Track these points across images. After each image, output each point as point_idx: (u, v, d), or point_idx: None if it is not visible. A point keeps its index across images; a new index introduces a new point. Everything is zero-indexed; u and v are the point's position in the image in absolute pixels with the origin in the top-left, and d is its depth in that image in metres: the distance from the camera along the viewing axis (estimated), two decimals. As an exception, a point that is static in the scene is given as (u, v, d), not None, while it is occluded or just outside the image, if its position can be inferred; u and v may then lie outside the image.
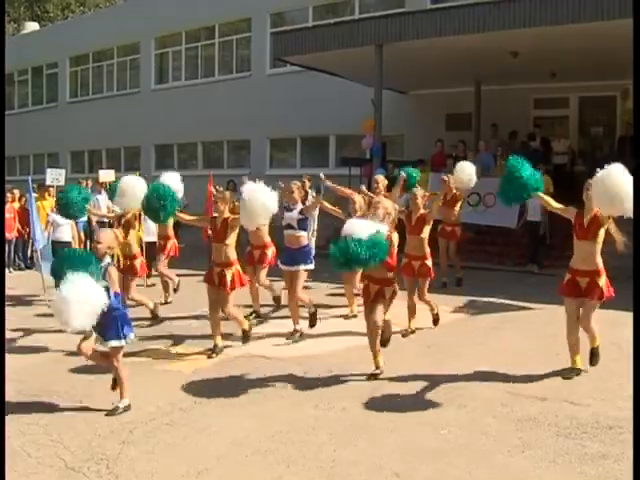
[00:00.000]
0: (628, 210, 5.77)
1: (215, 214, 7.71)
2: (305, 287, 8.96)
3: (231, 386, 6.41)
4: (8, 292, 10.93)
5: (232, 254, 7.55)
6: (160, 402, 5.95)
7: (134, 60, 26.77)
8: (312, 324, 8.42)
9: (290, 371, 6.87)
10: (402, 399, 5.98)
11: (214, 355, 7.42)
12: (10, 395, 6.01)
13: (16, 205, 15.03)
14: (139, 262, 9.21)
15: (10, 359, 7.21)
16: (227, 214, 7.56)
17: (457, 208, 11.77)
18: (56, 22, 39.42)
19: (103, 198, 15.46)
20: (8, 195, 14.85)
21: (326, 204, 8.48)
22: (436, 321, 8.67)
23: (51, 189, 14.79)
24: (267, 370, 6.91)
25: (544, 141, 16.12)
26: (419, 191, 8.83)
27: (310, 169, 18.71)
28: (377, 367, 6.60)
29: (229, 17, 23.42)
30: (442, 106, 18.88)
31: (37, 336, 8.06)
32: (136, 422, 5.46)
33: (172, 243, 10.66)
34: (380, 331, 6.58)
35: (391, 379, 6.56)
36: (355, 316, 9.15)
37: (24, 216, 14.33)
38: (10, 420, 5.40)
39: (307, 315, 8.44)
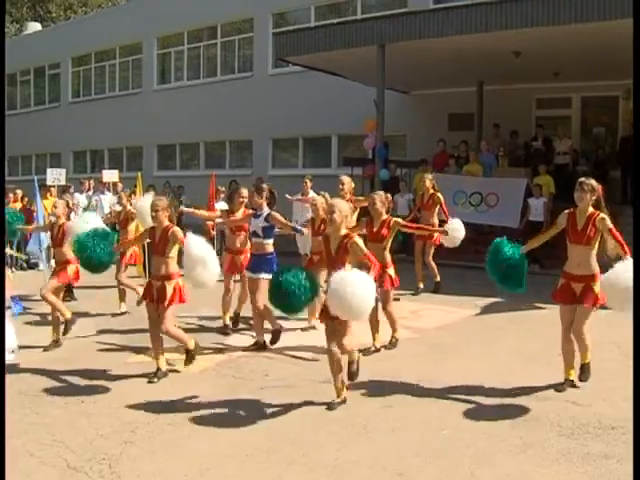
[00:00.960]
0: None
1: (154, 224, 6.85)
2: None
3: (233, 385, 6.42)
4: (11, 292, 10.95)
5: (173, 267, 6.74)
6: (163, 401, 5.96)
7: (136, 60, 26.79)
8: (273, 342, 7.72)
9: (292, 370, 6.88)
10: (404, 399, 5.98)
11: (155, 380, 6.61)
12: (12, 394, 6.02)
13: (18, 205, 15.04)
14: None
15: (11, 359, 7.23)
16: (166, 223, 6.74)
17: (435, 210, 11.28)
18: (58, 22, 39.46)
19: (106, 198, 15.51)
20: (10, 195, 14.88)
21: (278, 217, 7.77)
22: (392, 343, 7.86)
23: (52, 189, 14.81)
24: (269, 370, 6.92)
25: (546, 141, 16.11)
26: (379, 195, 8.02)
27: (312, 169, 18.74)
28: (338, 396, 5.89)
29: (231, 17, 23.43)
30: (444, 106, 18.87)
31: (39, 336, 8.06)
32: (138, 422, 5.47)
33: (132, 251, 10.46)
34: (342, 360, 5.85)
35: (394, 379, 6.56)
36: (313, 327, 8.36)
37: (26, 216, 14.33)
38: (12, 419, 5.40)
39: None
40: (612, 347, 7.13)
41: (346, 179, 8.99)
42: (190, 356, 6.83)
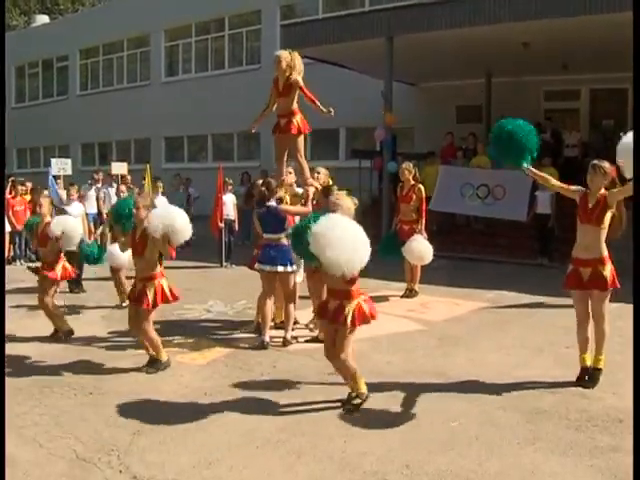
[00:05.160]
0: None
1: (135, 221, 6.70)
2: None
3: (242, 377, 6.42)
4: (18, 285, 10.99)
5: (153, 267, 6.59)
6: (172, 393, 5.98)
7: (144, 52, 26.82)
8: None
9: (302, 362, 6.88)
10: (412, 391, 5.98)
11: (152, 370, 6.58)
12: (22, 386, 6.06)
13: (27, 197, 15.07)
14: None
15: (21, 350, 7.28)
16: (146, 223, 6.47)
17: (413, 203, 10.15)
18: (66, 15, 39.49)
19: (114, 191, 15.53)
20: (21, 188, 14.90)
21: (287, 208, 7.67)
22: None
23: (59, 181, 14.86)
24: (278, 362, 6.92)
25: (555, 133, 16.04)
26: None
27: (321, 161, 18.69)
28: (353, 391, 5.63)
29: (239, 9, 23.41)
30: (452, 98, 18.83)
31: (47, 327, 8.09)
32: (147, 413, 5.48)
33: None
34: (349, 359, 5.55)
35: (402, 370, 6.56)
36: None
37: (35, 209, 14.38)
38: (21, 411, 5.44)
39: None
40: (622, 340, 7.10)
41: (323, 171, 8.64)
42: (154, 365, 6.64)
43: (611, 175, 5.95)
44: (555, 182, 6.41)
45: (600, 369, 6.14)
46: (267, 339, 7.48)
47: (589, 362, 6.19)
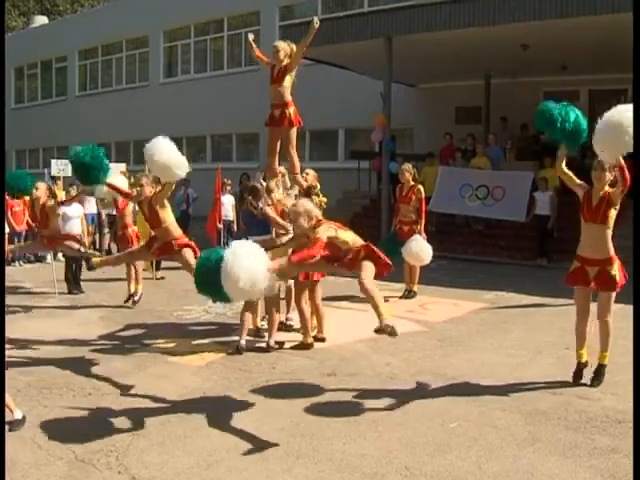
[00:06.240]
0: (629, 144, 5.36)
1: (140, 199, 7.30)
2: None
3: (241, 379, 6.42)
4: (18, 284, 10.99)
5: (176, 231, 7.27)
6: (171, 394, 5.97)
7: (143, 53, 26.83)
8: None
9: (300, 364, 6.88)
10: (411, 392, 5.98)
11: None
12: (20, 387, 6.04)
13: (26, 198, 15.03)
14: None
15: (19, 351, 7.28)
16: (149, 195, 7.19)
17: (412, 204, 10.13)
18: (65, 16, 39.47)
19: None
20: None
21: (273, 217, 7.58)
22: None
23: (59, 182, 14.83)
24: (277, 363, 6.92)
25: (554, 135, 16.03)
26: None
27: (319, 162, 18.72)
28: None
29: (238, 10, 23.42)
30: (452, 99, 18.83)
31: (46, 329, 8.09)
32: (146, 414, 5.47)
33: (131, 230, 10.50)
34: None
35: (402, 372, 6.56)
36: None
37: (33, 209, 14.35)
38: (20, 412, 5.42)
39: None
40: (623, 342, 7.09)
41: (312, 172, 8.46)
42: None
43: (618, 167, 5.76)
44: (568, 171, 6.19)
45: (605, 365, 6.09)
46: (243, 343, 7.36)
47: (585, 358, 6.16)
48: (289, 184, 8.15)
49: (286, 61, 7.51)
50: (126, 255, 8.40)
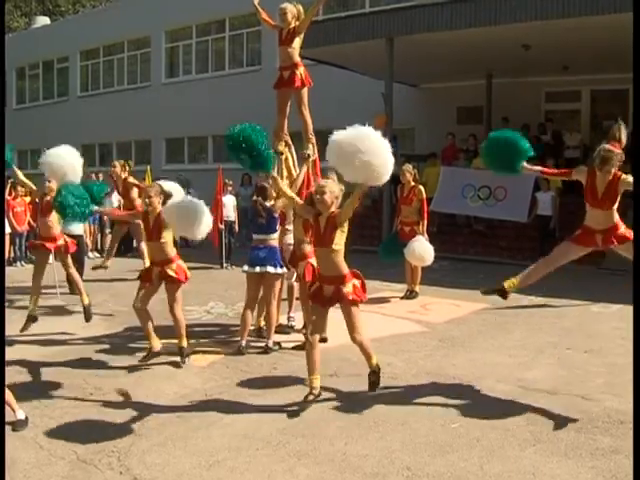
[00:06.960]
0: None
1: (147, 209, 6.85)
2: None
3: (243, 379, 6.42)
4: (19, 284, 10.98)
5: (170, 251, 6.89)
6: (172, 394, 5.97)
7: (145, 54, 26.82)
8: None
9: (302, 364, 6.84)
10: (413, 392, 5.98)
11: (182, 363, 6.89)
12: (21, 387, 6.04)
13: (27, 199, 15.07)
14: None
15: (21, 352, 7.27)
16: (159, 208, 6.76)
17: (414, 205, 10.13)
18: (67, 16, 39.51)
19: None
20: (21, 189, 14.89)
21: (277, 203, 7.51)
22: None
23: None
24: (279, 363, 6.92)
25: (556, 135, 16.03)
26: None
27: (322, 162, 18.70)
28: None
29: (239, 11, 23.32)
30: (453, 99, 18.82)
31: (48, 328, 8.09)
32: (147, 414, 5.48)
33: None
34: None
35: (403, 372, 6.56)
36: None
37: (35, 210, 14.38)
38: (23, 412, 5.42)
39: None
40: (624, 342, 7.10)
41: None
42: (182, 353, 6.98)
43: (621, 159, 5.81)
44: (553, 171, 6.48)
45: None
46: (244, 343, 7.36)
47: (507, 287, 6.67)
48: (296, 156, 8.08)
49: (294, 23, 7.51)
50: (144, 296, 7.33)
